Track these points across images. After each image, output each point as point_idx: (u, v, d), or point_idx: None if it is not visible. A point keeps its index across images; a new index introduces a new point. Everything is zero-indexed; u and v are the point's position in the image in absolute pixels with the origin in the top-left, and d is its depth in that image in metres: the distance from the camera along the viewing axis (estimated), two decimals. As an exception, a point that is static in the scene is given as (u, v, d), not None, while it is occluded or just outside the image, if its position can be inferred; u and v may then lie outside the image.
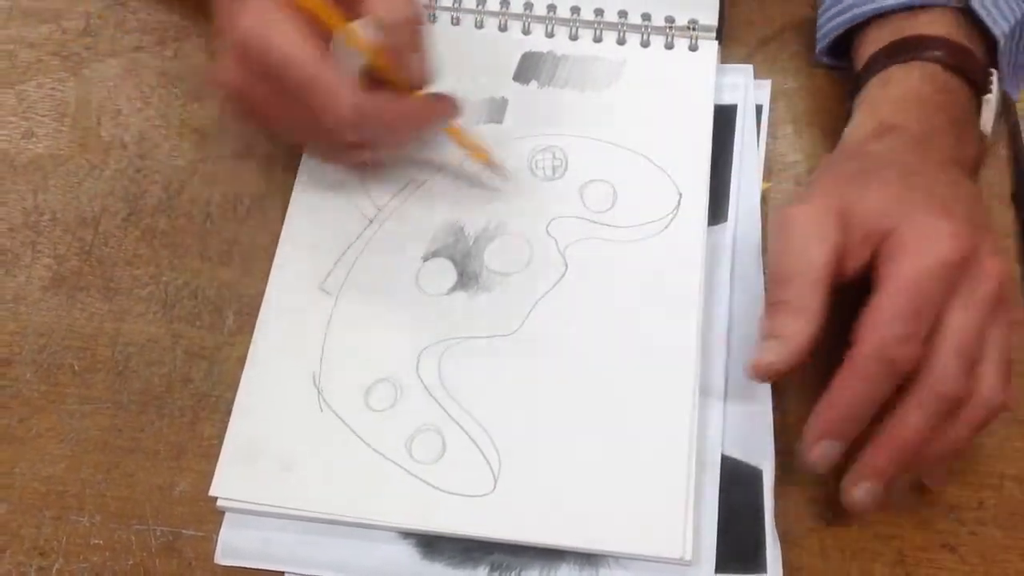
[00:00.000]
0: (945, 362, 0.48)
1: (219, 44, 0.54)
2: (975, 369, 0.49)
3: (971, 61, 0.58)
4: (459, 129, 0.59)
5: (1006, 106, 0.63)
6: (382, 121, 0.55)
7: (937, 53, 0.58)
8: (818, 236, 0.50)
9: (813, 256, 0.50)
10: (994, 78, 0.59)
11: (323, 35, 0.53)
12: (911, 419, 0.48)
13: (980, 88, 0.58)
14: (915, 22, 0.59)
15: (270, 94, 0.54)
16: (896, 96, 0.57)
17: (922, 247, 0.49)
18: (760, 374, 0.51)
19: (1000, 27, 0.59)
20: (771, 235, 0.53)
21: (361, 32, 0.54)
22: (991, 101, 0.59)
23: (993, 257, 0.49)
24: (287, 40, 0.52)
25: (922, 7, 0.59)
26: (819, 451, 0.49)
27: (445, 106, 0.57)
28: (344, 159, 0.57)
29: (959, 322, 0.48)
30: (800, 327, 0.49)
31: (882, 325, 0.48)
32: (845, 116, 0.61)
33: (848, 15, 0.61)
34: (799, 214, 0.51)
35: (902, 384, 0.49)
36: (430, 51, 0.56)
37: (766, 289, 0.55)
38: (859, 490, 0.49)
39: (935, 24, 0.59)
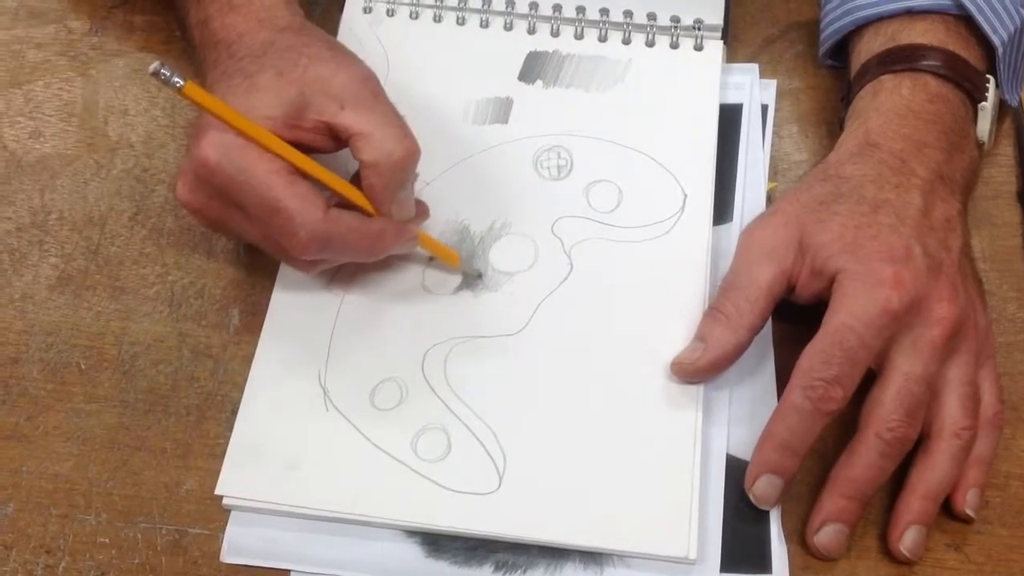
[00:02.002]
0: (887, 406, 0.50)
1: (184, 159, 0.54)
2: (936, 404, 0.51)
3: (966, 70, 0.58)
4: (427, 237, 0.57)
5: (1012, 106, 0.63)
6: (344, 245, 0.53)
7: (930, 62, 0.58)
8: (768, 259, 0.53)
9: (757, 275, 0.53)
10: (990, 85, 0.59)
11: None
12: (858, 459, 0.50)
13: (976, 96, 0.58)
14: (911, 30, 0.59)
15: (232, 214, 0.53)
16: (885, 107, 0.57)
17: (862, 295, 0.51)
18: (676, 371, 0.54)
19: (999, 35, 0.59)
20: (736, 249, 0.55)
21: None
22: (987, 109, 0.59)
23: (942, 303, 0.51)
24: (247, 165, 0.51)
25: (920, 14, 0.59)
26: (759, 486, 0.51)
27: (409, 231, 0.56)
28: (308, 271, 0.57)
29: (904, 367, 0.50)
30: (724, 336, 0.53)
31: (811, 367, 0.50)
32: (839, 123, 0.61)
33: (845, 20, 0.61)
34: (759, 235, 0.54)
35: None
36: (412, 186, 0.55)
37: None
38: (820, 534, 0.51)
39: (931, 32, 0.59)
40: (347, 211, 0.53)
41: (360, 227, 0.53)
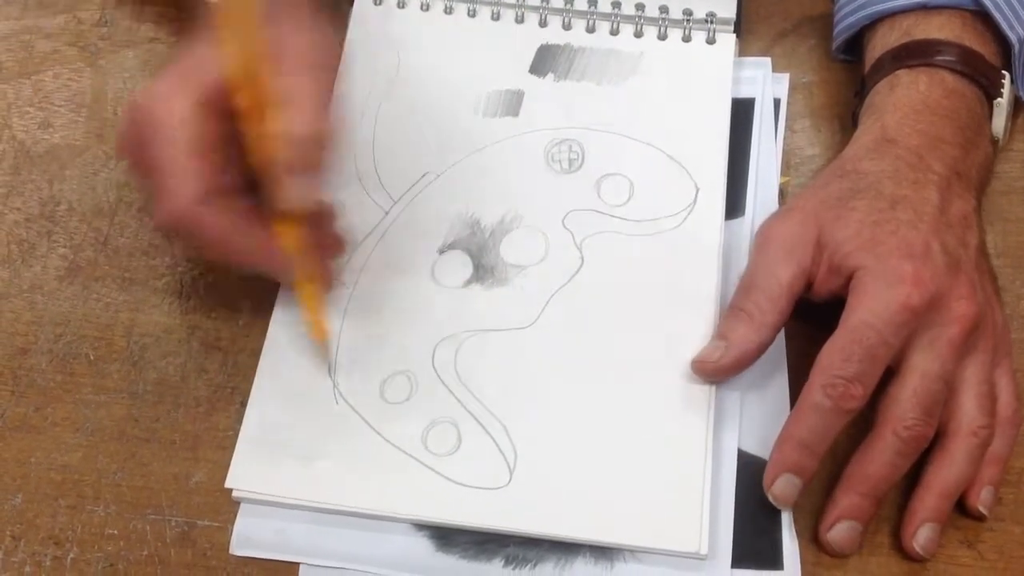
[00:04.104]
0: (904, 404, 0.50)
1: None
2: (953, 402, 0.51)
3: (982, 65, 0.58)
4: (311, 292, 0.54)
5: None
6: (204, 240, 0.51)
7: (946, 58, 0.57)
8: (787, 257, 0.53)
9: (778, 274, 0.53)
10: (1006, 81, 0.59)
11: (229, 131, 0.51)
12: (874, 457, 0.50)
13: (991, 92, 0.58)
14: (927, 25, 0.59)
15: (144, 165, 0.51)
16: (902, 103, 0.57)
17: (881, 292, 0.50)
18: (698, 370, 0.54)
19: (1016, 31, 0.58)
20: (752, 246, 0.55)
21: None
22: (1002, 105, 0.58)
23: (961, 300, 0.51)
24: (164, 118, 0.50)
25: (936, 8, 0.59)
26: (778, 486, 0.51)
27: (279, 262, 0.53)
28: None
29: (922, 365, 0.50)
30: (747, 334, 0.53)
31: (831, 365, 0.50)
32: (851, 118, 0.61)
33: (860, 14, 0.61)
34: (777, 232, 0.54)
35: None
36: (318, 179, 0.51)
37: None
38: (833, 531, 0.51)
39: (947, 27, 0.58)
40: (224, 204, 0.50)
41: (221, 227, 0.51)
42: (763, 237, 0.55)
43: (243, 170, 0.51)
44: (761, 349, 0.53)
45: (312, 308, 0.55)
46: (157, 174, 0.50)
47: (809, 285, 0.53)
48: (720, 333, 0.54)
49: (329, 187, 0.52)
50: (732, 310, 0.54)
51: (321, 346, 0.55)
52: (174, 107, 0.50)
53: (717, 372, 0.53)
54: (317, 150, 0.50)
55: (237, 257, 0.53)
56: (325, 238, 0.55)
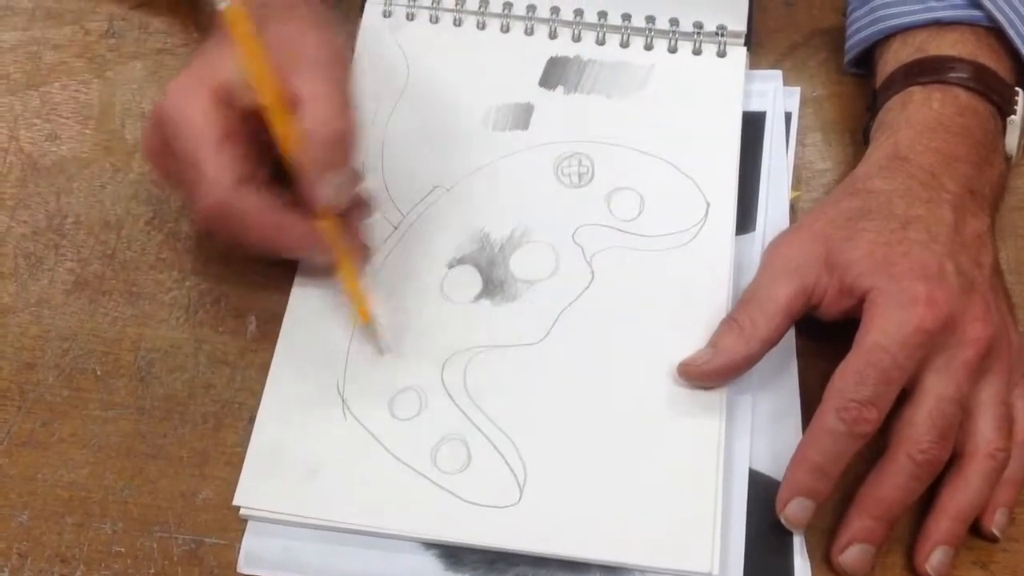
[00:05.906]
0: (919, 427, 0.49)
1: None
2: (969, 424, 0.50)
3: (996, 82, 0.57)
4: (349, 270, 0.55)
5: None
6: (242, 224, 0.52)
7: (960, 75, 0.57)
8: (790, 275, 0.53)
9: (776, 291, 0.52)
10: (1020, 98, 0.58)
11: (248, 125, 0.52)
12: (887, 480, 0.50)
13: (1005, 109, 0.58)
14: (940, 41, 0.58)
15: (173, 164, 0.53)
16: (915, 120, 0.56)
17: (895, 314, 0.50)
18: (682, 372, 0.54)
19: None
20: (760, 262, 0.55)
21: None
22: (1016, 122, 0.58)
23: (976, 322, 0.50)
24: (188, 114, 0.51)
25: (949, 24, 0.58)
26: (791, 509, 0.51)
27: (315, 239, 0.53)
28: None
29: (937, 388, 0.50)
30: (735, 345, 0.52)
31: (844, 388, 0.49)
32: (862, 134, 0.60)
33: (873, 29, 0.61)
34: (783, 251, 0.54)
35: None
36: (351, 174, 0.53)
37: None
38: (846, 554, 0.50)
39: (961, 43, 0.58)
40: (260, 192, 0.52)
41: (262, 212, 0.52)
42: (769, 255, 0.55)
43: (269, 165, 0.53)
44: (748, 361, 0.53)
45: (355, 290, 0.56)
46: (190, 168, 0.51)
47: (816, 305, 0.53)
48: (711, 341, 0.54)
49: (360, 178, 0.54)
50: (726, 321, 0.54)
51: (367, 328, 0.56)
52: (195, 104, 0.51)
53: (700, 376, 0.53)
54: (341, 148, 0.52)
55: (278, 239, 0.53)
56: (355, 221, 0.56)
